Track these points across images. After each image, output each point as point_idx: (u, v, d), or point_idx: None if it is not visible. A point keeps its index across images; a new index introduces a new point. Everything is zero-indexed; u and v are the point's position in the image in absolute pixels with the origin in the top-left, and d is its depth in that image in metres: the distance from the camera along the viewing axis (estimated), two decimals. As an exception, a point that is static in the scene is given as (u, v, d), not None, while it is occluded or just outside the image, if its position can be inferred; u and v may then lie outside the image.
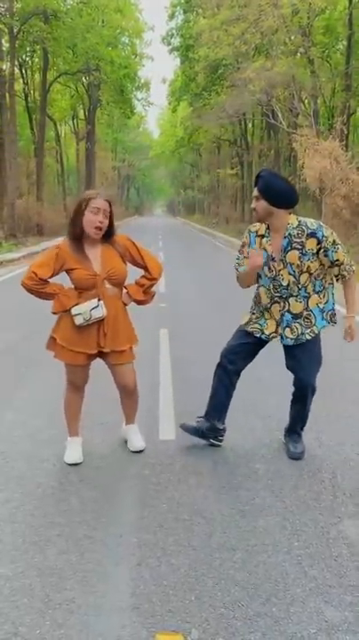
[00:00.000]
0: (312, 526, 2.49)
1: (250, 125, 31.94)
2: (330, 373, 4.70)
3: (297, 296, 2.93)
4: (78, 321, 2.79)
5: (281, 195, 2.80)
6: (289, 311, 2.97)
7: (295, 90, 18.51)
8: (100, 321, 2.84)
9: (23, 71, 26.43)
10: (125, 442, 3.28)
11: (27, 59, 26.62)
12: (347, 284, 2.95)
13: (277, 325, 3.02)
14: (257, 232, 3.01)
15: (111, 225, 2.87)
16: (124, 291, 3.01)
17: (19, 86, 25.14)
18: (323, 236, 2.80)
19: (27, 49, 24.98)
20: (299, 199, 2.90)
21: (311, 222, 2.85)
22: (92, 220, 2.74)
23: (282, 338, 3.03)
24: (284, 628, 1.88)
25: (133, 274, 3.07)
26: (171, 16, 29.62)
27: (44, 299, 2.91)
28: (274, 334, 3.04)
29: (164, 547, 2.33)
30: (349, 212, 15.06)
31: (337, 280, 2.98)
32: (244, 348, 3.14)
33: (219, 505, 2.66)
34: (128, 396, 3.15)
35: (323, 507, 2.65)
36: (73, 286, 2.89)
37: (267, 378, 4.48)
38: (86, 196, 2.79)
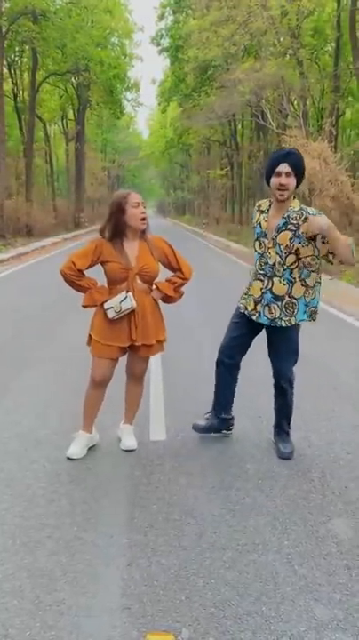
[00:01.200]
0: (301, 525, 2.50)
1: (239, 126, 32.03)
2: (318, 372, 4.73)
3: (281, 277, 2.93)
4: (110, 314, 2.94)
5: (303, 177, 2.84)
6: (271, 290, 2.97)
7: (284, 91, 18.59)
8: (131, 314, 2.95)
9: (12, 71, 26.29)
10: (119, 440, 3.28)
11: (16, 59, 26.49)
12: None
13: (256, 303, 3.04)
14: (259, 206, 3.05)
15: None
16: (154, 286, 3.10)
17: (7, 86, 24.99)
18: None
19: (16, 49, 24.87)
20: None
21: (309, 209, 2.87)
22: (137, 214, 2.90)
23: (259, 315, 3.05)
24: (274, 626, 1.89)
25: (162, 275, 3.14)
26: (161, 17, 29.60)
27: (78, 290, 3.05)
28: (253, 311, 3.07)
29: (155, 547, 2.33)
30: (338, 213, 15.13)
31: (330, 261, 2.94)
32: (239, 341, 3.19)
33: (210, 505, 2.67)
34: (134, 382, 3.26)
35: (312, 506, 2.67)
36: (106, 280, 3.05)
37: (257, 378, 4.49)
38: (122, 194, 2.95)
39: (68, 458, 3.07)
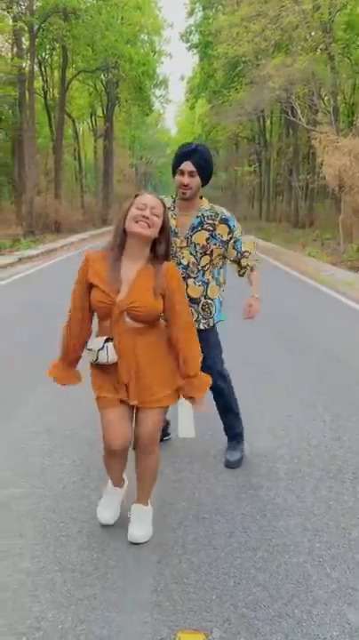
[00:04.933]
0: (333, 527, 2.46)
1: (268, 122, 31.73)
2: (350, 373, 4.66)
3: (195, 278, 2.79)
4: (90, 357, 2.20)
5: (211, 175, 2.72)
6: (186, 293, 2.74)
7: (315, 87, 18.32)
8: (117, 365, 2.16)
9: (42, 69, 26.58)
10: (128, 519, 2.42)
11: (47, 57, 26.75)
12: (254, 272, 2.87)
13: None
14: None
15: (165, 233, 2.19)
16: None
17: (38, 84, 25.30)
18: (234, 225, 2.76)
19: (47, 47, 25.11)
20: None
21: (222, 209, 2.80)
22: (135, 215, 2.09)
23: None
24: (307, 629, 1.86)
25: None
26: (191, 13, 29.52)
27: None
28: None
29: (185, 545, 2.33)
30: (369, 210, 14.90)
31: (242, 274, 2.87)
32: None
33: (240, 504, 2.65)
34: (141, 450, 2.32)
35: (344, 508, 2.62)
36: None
37: (284, 375, 4.45)
38: (136, 194, 2.20)
39: (102, 524, 2.47)
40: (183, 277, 2.74)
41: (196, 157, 2.61)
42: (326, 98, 20.56)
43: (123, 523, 2.45)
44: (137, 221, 2.08)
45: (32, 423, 3.57)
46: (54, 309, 7.19)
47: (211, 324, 2.90)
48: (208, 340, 2.89)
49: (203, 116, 34.42)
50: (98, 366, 2.20)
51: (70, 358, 2.32)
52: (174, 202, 2.80)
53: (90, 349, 2.18)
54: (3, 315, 7.10)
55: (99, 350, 2.13)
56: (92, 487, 2.77)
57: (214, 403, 3.06)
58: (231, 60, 22.28)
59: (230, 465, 3.02)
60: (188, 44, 30.29)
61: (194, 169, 2.61)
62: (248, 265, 2.84)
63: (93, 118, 35.97)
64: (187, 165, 2.61)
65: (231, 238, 2.77)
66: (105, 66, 25.28)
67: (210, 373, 2.48)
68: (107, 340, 2.13)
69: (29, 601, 1.99)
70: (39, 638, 1.82)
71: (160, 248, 2.18)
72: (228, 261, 2.88)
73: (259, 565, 2.20)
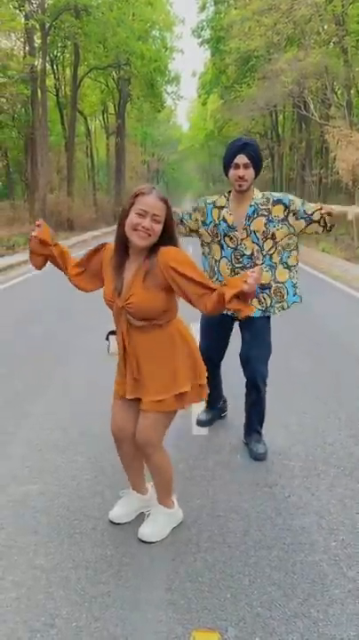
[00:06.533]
0: (350, 526, 2.43)
1: (281, 117, 31.49)
2: (365, 370, 4.60)
3: (262, 264, 2.85)
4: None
5: (261, 166, 2.82)
6: None
7: (328, 80, 18.15)
8: (125, 358, 2.19)
9: (54, 67, 26.66)
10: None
11: (59, 54, 26.83)
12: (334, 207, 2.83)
13: None
14: (214, 203, 2.93)
15: (169, 233, 2.06)
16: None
17: (50, 82, 25.39)
18: (289, 200, 2.80)
19: (59, 44, 25.17)
20: None
21: (273, 193, 2.86)
22: (134, 223, 1.99)
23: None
24: (323, 629, 1.84)
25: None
26: (202, 8, 29.37)
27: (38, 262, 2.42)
28: None
29: (199, 543, 2.31)
30: (383, 205, 14.74)
31: (325, 228, 2.81)
32: (214, 344, 3.13)
33: (254, 502, 2.63)
34: (142, 452, 2.30)
35: (360, 506, 2.59)
36: None
37: (302, 373, 4.42)
38: (135, 191, 2.03)
39: (110, 521, 2.45)
40: (249, 267, 2.83)
41: (249, 150, 2.74)
42: (339, 92, 20.35)
43: (136, 521, 2.44)
44: (136, 230, 1.99)
45: (46, 421, 3.57)
46: (67, 308, 7.24)
47: (286, 307, 2.96)
48: (264, 333, 2.98)
49: (216, 111, 34.24)
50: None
51: (51, 255, 2.37)
52: (228, 199, 2.90)
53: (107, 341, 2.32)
54: (17, 313, 7.14)
55: (105, 341, 2.29)
56: (106, 484, 2.77)
57: (243, 400, 3.13)
58: (243, 54, 22.16)
59: (259, 457, 3.03)
60: (200, 39, 30.16)
61: (247, 161, 2.73)
62: (323, 213, 2.77)
63: (105, 115, 36.01)
64: (241, 158, 2.73)
65: (289, 213, 2.80)
66: (116, 63, 25.28)
67: (254, 370, 2.76)
68: (110, 333, 2.26)
69: (43, 598, 1.99)
70: (53, 635, 1.82)
71: (164, 242, 2.06)
72: (304, 237, 2.91)
73: (274, 564, 2.17)
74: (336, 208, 2.81)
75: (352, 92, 20.04)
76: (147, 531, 2.32)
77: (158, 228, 2.02)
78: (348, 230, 16.48)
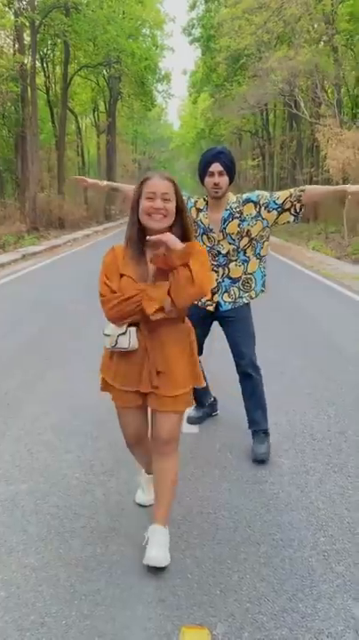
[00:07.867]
0: (338, 522, 2.45)
1: (271, 116, 31.56)
2: (356, 369, 4.64)
3: (236, 260, 2.97)
4: (106, 343, 2.12)
5: (235, 173, 2.91)
6: (228, 276, 2.98)
7: (318, 79, 18.20)
8: (145, 352, 2.10)
9: (44, 65, 26.50)
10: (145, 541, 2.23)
11: (49, 52, 26.67)
12: (307, 188, 2.87)
13: (212, 294, 3.00)
14: (195, 204, 3.01)
15: (181, 213, 2.06)
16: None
17: (40, 80, 25.24)
18: (257, 196, 2.89)
19: (49, 42, 25.02)
20: None
21: (243, 195, 2.96)
22: (146, 207, 2.00)
23: (220, 305, 3.01)
24: (311, 624, 1.86)
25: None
26: (192, 6, 29.39)
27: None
28: (209, 301, 3.02)
29: (189, 540, 2.32)
30: (373, 203, 14.80)
31: (299, 211, 2.83)
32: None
33: (244, 499, 2.64)
34: (160, 452, 2.24)
35: (348, 502, 2.61)
36: None
37: (288, 369, 4.44)
38: (141, 178, 2.07)
39: (136, 502, 2.59)
40: (224, 264, 2.96)
41: (223, 158, 2.83)
42: (329, 90, 20.40)
43: (127, 519, 2.45)
44: (150, 214, 1.99)
45: (36, 420, 3.57)
46: (58, 307, 7.22)
47: (254, 297, 3.03)
48: (246, 321, 3.04)
49: (206, 110, 34.26)
50: (119, 359, 2.14)
51: None
52: (207, 203, 2.99)
53: (107, 335, 2.09)
54: (8, 312, 7.10)
55: (119, 335, 2.05)
56: (96, 483, 2.77)
57: (233, 399, 3.06)
58: (233, 53, 22.18)
59: (259, 458, 3.00)
60: (190, 37, 30.18)
61: (222, 169, 2.81)
62: (292, 200, 2.81)
63: (96, 114, 35.87)
64: (216, 167, 2.82)
65: (260, 207, 2.87)
66: (107, 61, 25.18)
67: (244, 360, 2.92)
68: (130, 325, 2.06)
69: (33, 597, 1.99)
70: (43, 634, 1.82)
71: (176, 230, 2.05)
72: (274, 229, 2.98)
73: (263, 560, 2.19)
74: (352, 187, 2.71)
75: (342, 90, 20.13)
76: (161, 555, 2.14)
77: (171, 206, 2.01)
78: (339, 228, 16.55)
